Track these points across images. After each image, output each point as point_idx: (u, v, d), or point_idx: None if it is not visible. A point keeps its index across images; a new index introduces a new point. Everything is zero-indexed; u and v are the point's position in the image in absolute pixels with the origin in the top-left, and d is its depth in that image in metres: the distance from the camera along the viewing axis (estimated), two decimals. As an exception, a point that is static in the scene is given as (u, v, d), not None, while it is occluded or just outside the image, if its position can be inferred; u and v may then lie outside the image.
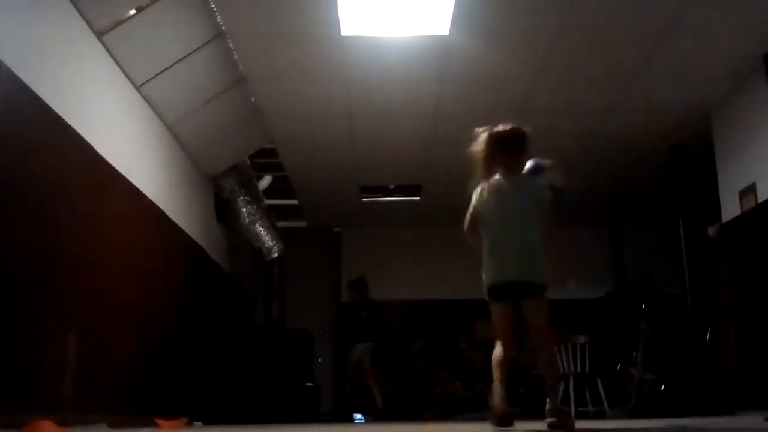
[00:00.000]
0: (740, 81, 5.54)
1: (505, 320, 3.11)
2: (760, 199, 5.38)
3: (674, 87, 5.73)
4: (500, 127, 3.18)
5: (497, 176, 3.17)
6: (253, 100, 5.81)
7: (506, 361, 3.10)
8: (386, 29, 4.85)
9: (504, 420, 3.02)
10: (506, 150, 3.15)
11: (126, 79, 4.59)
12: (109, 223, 4.26)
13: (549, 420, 2.91)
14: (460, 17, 4.66)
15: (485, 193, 3.16)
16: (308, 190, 8.30)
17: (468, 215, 3.23)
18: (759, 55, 5.15)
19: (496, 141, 3.14)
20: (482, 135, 3.18)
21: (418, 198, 8.53)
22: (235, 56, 5.11)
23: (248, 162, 7.38)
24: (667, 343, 6.90)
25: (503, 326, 3.12)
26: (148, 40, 4.54)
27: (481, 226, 3.17)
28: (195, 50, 4.87)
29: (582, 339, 7.20)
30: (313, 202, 8.72)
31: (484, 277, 3.14)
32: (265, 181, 7.87)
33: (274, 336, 7.79)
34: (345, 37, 4.88)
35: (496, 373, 3.09)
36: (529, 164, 3.26)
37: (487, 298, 3.14)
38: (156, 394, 4.91)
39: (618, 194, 8.40)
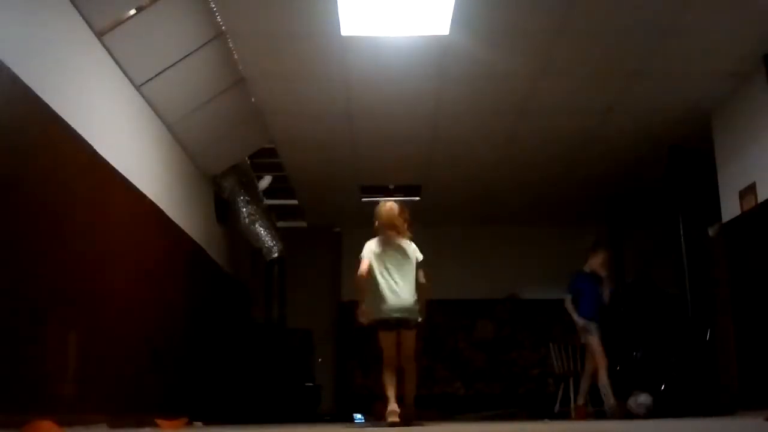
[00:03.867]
0: (740, 81, 5.54)
1: (394, 343, 4.30)
2: (760, 199, 5.38)
3: (674, 87, 5.73)
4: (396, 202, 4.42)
5: (381, 237, 4.34)
6: (253, 100, 5.81)
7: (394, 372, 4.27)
8: (386, 29, 4.85)
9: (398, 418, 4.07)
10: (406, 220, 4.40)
11: (126, 79, 4.59)
12: (109, 223, 4.26)
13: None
14: (460, 17, 4.66)
15: (379, 248, 4.30)
16: (308, 190, 8.30)
17: (364, 264, 4.26)
18: (759, 55, 5.15)
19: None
20: (394, 206, 4.41)
21: (418, 198, 8.52)
22: (235, 56, 5.11)
23: (248, 162, 7.38)
24: (667, 343, 6.89)
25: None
26: (148, 40, 4.54)
27: (374, 272, 4.28)
28: (195, 50, 4.87)
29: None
30: (313, 202, 8.72)
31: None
32: (265, 181, 7.87)
33: (274, 336, 7.78)
34: (345, 37, 4.88)
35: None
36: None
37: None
38: (156, 394, 4.91)
39: (618, 194, 8.39)
